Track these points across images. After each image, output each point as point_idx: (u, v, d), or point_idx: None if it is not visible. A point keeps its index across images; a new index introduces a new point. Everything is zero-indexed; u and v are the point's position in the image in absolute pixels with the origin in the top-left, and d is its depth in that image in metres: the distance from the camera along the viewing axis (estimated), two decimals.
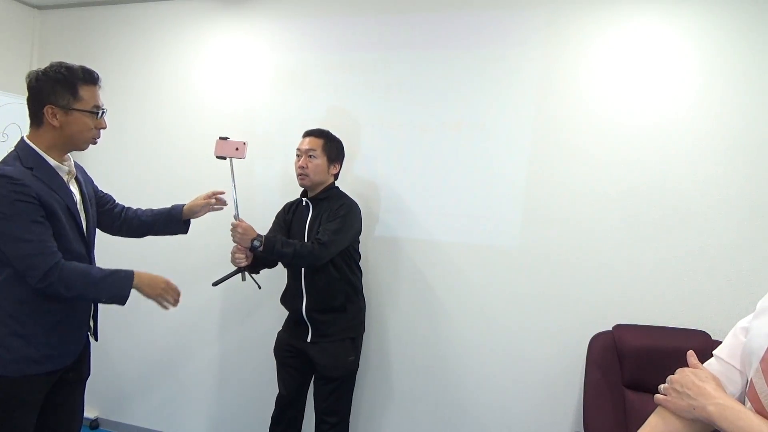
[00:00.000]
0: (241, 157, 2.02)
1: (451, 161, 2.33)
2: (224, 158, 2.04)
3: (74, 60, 3.02)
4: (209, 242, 2.69)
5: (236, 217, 2.00)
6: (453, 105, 2.33)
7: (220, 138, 2.05)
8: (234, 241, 1.96)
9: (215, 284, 2.02)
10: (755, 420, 0.79)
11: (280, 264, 2.20)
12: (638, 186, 2.09)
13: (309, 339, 2.09)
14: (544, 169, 2.21)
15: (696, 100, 2.04)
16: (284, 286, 2.22)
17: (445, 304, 2.34)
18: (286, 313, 2.23)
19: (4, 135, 2.66)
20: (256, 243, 1.92)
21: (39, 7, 3.11)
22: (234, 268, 2.02)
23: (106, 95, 2.95)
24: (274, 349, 2.24)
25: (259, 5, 2.66)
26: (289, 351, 2.17)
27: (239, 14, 2.70)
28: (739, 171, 1.99)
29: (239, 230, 1.93)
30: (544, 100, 2.21)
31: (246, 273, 2.04)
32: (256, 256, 2.03)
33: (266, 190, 2.60)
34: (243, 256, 1.99)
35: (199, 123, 2.76)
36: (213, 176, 2.72)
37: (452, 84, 2.33)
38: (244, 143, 2.02)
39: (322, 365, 2.09)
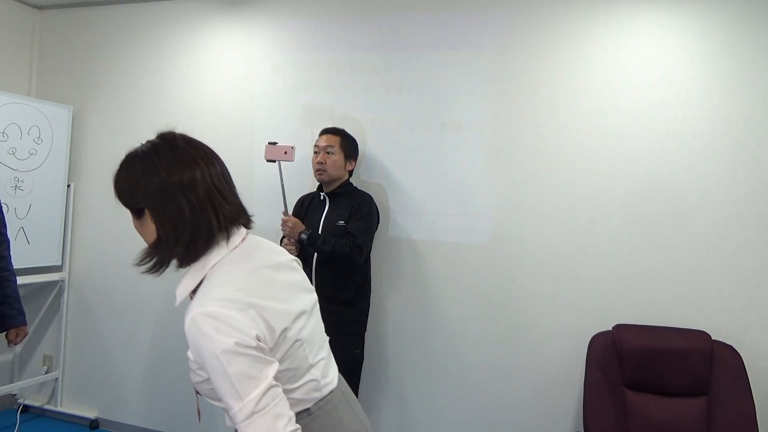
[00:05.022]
0: (290, 160, 2.13)
1: (451, 161, 2.33)
2: (274, 161, 2.14)
3: (74, 60, 3.04)
4: None
5: (285, 213, 2.13)
6: (453, 105, 2.33)
7: (269, 143, 2.15)
8: (284, 234, 2.11)
9: None
10: None
11: None
12: (639, 186, 2.09)
13: None
14: (545, 169, 2.21)
15: (697, 100, 2.04)
16: None
17: (444, 303, 2.34)
18: None
19: (4, 135, 2.66)
20: (303, 236, 2.06)
21: (39, 7, 3.11)
22: None
23: (106, 95, 2.97)
24: None
25: (259, 5, 2.66)
26: None
27: (239, 14, 2.70)
28: (739, 172, 2.00)
29: (289, 224, 2.08)
30: (546, 100, 2.21)
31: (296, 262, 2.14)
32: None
33: (266, 188, 2.60)
34: (293, 247, 2.10)
35: (198, 122, 2.76)
36: None
37: (452, 84, 2.33)
38: (293, 147, 2.13)
39: None
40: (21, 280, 2.82)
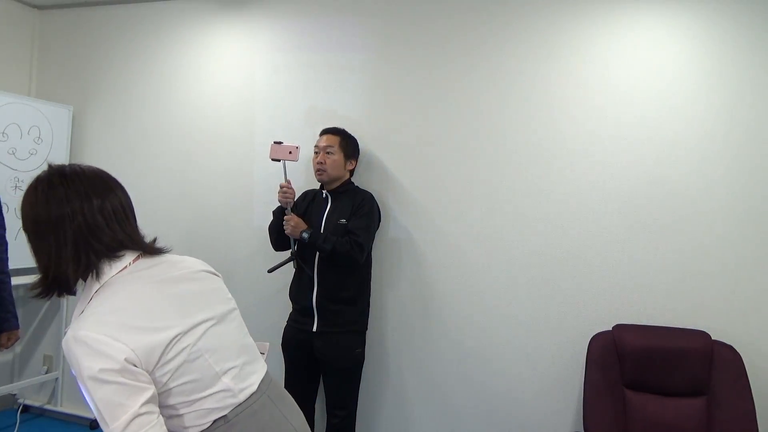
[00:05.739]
0: (294, 159, 2.15)
1: (451, 161, 2.33)
2: (278, 161, 2.16)
3: (74, 60, 3.04)
4: (212, 244, 2.69)
5: (287, 212, 2.16)
6: (453, 106, 2.33)
7: (275, 142, 2.18)
8: (287, 233, 2.14)
9: (270, 271, 2.23)
10: None
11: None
12: (639, 187, 2.09)
13: (315, 329, 2.12)
14: (545, 168, 2.20)
15: (697, 101, 2.04)
16: (290, 281, 2.27)
17: (444, 302, 2.34)
18: (291, 309, 2.26)
19: (4, 135, 2.66)
20: (305, 235, 2.09)
21: (39, 7, 3.11)
22: (286, 257, 2.22)
23: (106, 95, 2.97)
24: (282, 343, 2.26)
25: (259, 6, 2.66)
26: (295, 345, 2.20)
27: (239, 14, 2.70)
28: (740, 172, 1.99)
29: (292, 223, 2.12)
30: (548, 100, 2.20)
31: (297, 260, 2.20)
32: (301, 245, 2.17)
33: (266, 188, 2.60)
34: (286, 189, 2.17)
35: (198, 122, 2.76)
36: (210, 177, 2.73)
37: (453, 85, 2.33)
38: (297, 147, 2.15)
39: (328, 357, 2.12)
40: (21, 280, 2.82)
